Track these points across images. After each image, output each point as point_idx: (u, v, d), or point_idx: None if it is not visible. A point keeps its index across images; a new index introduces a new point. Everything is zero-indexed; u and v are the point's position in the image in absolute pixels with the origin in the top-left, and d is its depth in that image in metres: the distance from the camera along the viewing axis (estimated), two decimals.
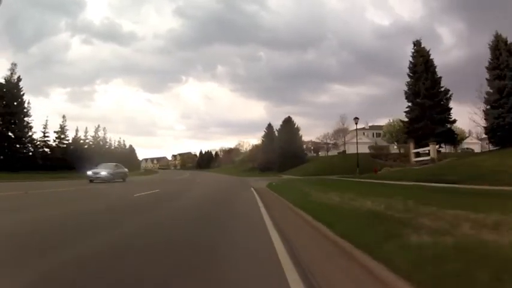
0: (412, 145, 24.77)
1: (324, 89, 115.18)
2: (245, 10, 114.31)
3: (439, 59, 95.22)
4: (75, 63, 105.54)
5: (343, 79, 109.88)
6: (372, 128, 72.73)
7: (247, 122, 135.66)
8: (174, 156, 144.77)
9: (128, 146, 78.04)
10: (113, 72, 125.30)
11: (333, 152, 64.24)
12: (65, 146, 43.08)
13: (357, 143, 26.79)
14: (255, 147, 73.29)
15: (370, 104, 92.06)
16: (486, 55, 24.01)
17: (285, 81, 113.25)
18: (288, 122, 59.15)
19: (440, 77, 27.83)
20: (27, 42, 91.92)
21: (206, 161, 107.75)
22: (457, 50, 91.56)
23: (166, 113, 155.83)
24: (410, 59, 29.39)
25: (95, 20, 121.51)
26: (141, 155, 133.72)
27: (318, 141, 65.50)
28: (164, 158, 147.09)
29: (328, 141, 66.72)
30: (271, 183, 15.56)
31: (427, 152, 25.90)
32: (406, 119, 29.88)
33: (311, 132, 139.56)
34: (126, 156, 69.01)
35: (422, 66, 27.12)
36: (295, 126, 59.21)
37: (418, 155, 25.72)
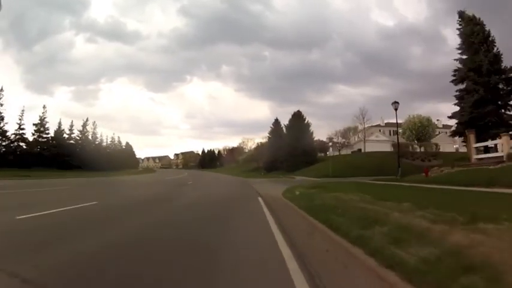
0: (473, 138, 18.52)
1: (329, 90, 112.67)
2: (250, 10, 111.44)
3: (444, 60, 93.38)
4: (79, 62, 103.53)
5: (347, 80, 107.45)
6: (388, 125, 66.50)
7: (251, 122, 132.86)
8: (176, 155, 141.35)
9: (124, 144, 72.60)
10: (117, 71, 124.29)
11: (345, 151, 58.16)
12: (44, 140, 37.75)
13: (397, 136, 20.80)
14: (260, 145, 67.10)
15: (375, 104, 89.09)
16: None
17: (289, 81, 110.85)
18: (297, 117, 52.42)
19: (499, 51, 21.31)
20: (32, 40, 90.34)
21: (209, 160, 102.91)
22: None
23: (170, 112, 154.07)
24: (458, 32, 23.46)
25: (99, 19, 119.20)
26: (143, 154, 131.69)
27: (332, 137, 59.47)
28: (166, 156, 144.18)
29: (340, 139, 60.70)
30: (291, 190, 9.50)
31: (482, 148, 19.72)
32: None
33: (315, 132, 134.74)
34: (121, 154, 63.84)
35: (480, 36, 20.73)
36: (306, 121, 52.53)
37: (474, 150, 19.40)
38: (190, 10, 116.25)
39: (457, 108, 23.60)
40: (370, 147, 50.53)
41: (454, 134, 24.79)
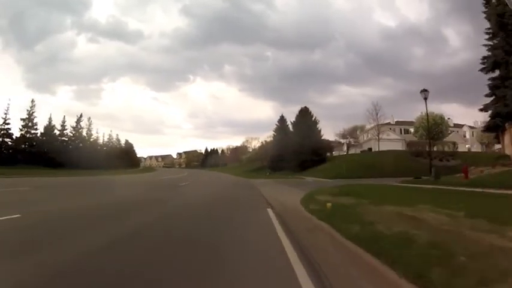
0: None
1: (331, 90, 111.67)
2: (252, 9, 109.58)
3: (445, 61, 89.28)
4: (81, 61, 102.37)
5: (350, 80, 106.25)
6: (399, 123, 63.24)
7: (254, 122, 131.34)
8: (179, 154, 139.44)
9: (123, 142, 70.07)
10: (120, 71, 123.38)
11: (354, 150, 55.22)
12: (32, 136, 35.11)
13: (428, 130, 17.71)
14: (265, 144, 64.11)
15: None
16: None
17: (292, 82, 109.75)
18: (304, 113, 49.09)
19: None
20: (33, 40, 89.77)
21: (212, 159, 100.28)
22: (463, 53, 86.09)
23: (173, 112, 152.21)
24: (485, 15, 20.89)
25: (101, 18, 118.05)
26: (146, 153, 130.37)
27: (345, 134, 56.83)
28: (169, 156, 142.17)
29: (348, 138, 57.85)
30: (314, 198, 6.61)
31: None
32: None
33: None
34: (120, 153, 61.29)
35: None
36: (313, 118, 49.23)
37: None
38: (191, 10, 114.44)
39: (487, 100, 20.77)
40: (381, 146, 47.74)
41: (486, 129, 21.67)
